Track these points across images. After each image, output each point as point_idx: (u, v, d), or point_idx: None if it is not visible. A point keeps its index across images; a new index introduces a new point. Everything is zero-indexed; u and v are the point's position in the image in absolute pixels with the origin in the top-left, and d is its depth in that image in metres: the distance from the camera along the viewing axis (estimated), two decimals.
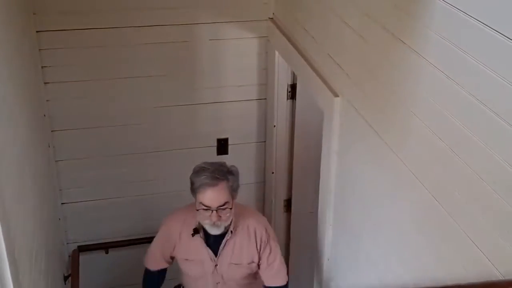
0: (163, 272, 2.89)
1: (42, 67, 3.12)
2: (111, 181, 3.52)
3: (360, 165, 2.27)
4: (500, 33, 1.33)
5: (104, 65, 3.23)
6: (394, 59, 1.90)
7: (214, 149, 3.58)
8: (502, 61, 1.35)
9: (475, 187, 1.50)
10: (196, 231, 2.59)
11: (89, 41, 3.14)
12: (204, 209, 2.46)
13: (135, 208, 3.62)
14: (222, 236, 2.59)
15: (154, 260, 2.83)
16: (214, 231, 2.56)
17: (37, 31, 3.04)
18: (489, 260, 1.46)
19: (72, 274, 3.28)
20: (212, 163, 2.53)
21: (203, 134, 3.54)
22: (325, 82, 2.52)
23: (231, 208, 2.48)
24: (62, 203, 3.49)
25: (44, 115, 3.20)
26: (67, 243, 3.56)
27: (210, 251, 2.63)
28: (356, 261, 2.40)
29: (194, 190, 2.48)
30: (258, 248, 2.65)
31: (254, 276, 2.76)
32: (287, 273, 2.76)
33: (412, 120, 1.80)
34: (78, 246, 3.53)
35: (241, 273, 2.69)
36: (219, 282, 2.70)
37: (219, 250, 2.63)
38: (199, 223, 2.58)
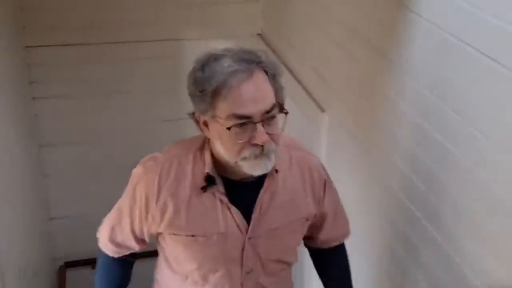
0: (128, 263, 1.73)
1: (30, 82, 3.13)
2: (100, 197, 3.48)
3: (347, 179, 2.27)
4: (481, 52, 1.35)
5: (92, 80, 3.24)
6: (378, 74, 1.92)
7: None
8: (482, 79, 1.36)
9: (459, 203, 1.50)
10: (210, 180, 1.47)
11: (77, 56, 3.16)
12: (240, 125, 1.34)
13: None
14: (256, 183, 1.50)
15: (119, 240, 1.65)
16: (259, 169, 1.41)
17: (26, 47, 3.05)
18: (472, 274, 1.48)
19: None
20: (227, 48, 1.40)
21: None
22: (312, 97, 2.54)
23: (286, 113, 1.41)
24: (50, 219, 3.47)
25: (32, 130, 3.20)
26: (55, 259, 3.54)
27: (239, 214, 1.51)
28: None
29: (209, 97, 1.35)
30: (317, 197, 1.63)
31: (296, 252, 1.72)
32: None
33: (397, 136, 1.82)
34: (65, 262, 3.51)
35: (292, 241, 1.64)
36: (252, 270, 1.57)
37: (256, 209, 1.51)
38: (214, 166, 1.47)
